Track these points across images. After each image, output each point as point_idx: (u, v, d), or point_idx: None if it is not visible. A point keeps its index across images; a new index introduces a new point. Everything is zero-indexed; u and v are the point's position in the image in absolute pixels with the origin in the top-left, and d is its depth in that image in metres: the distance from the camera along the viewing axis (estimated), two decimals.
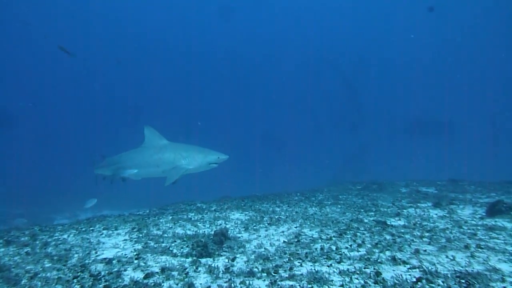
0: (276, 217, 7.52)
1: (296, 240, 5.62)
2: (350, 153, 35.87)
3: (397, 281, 3.60)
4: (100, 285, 4.11)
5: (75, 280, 4.28)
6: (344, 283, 3.69)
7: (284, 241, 5.63)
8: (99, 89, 58.37)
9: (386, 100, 53.36)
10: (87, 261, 5.05)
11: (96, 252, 5.56)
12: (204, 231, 6.59)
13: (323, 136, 49.28)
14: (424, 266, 3.97)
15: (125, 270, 4.64)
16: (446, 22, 51.52)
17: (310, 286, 3.68)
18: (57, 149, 48.49)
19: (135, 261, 5.02)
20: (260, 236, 6.16)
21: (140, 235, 6.52)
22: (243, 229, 6.72)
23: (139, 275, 4.42)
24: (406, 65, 56.66)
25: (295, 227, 6.44)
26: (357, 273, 3.91)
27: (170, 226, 7.18)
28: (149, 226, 7.19)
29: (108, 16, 59.20)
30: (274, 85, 61.77)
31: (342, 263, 4.31)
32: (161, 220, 7.75)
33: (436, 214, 7.09)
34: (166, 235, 6.51)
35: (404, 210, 7.64)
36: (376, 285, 3.57)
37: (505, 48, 48.84)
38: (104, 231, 6.94)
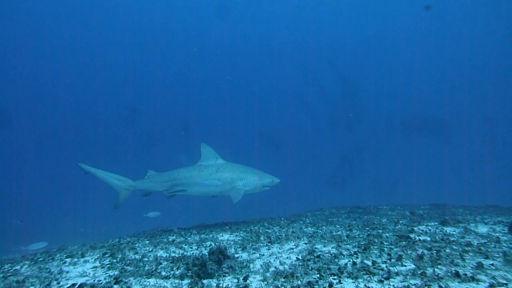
0: (275, 235, 6.48)
1: (312, 256, 4.63)
2: (347, 152, 34.65)
3: None
4: None
5: None
6: None
7: (297, 258, 4.62)
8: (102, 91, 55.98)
9: (383, 99, 52.85)
10: None
11: (58, 283, 4.27)
12: (193, 253, 5.44)
13: (320, 135, 48.45)
14: (502, 282, 3.12)
15: None
16: (444, 20, 51.40)
17: None
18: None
19: (115, 286, 3.83)
20: (263, 255, 5.11)
21: (114, 261, 5.26)
22: (240, 248, 5.63)
23: None
24: (404, 64, 55.95)
25: (304, 244, 5.45)
26: None
27: (150, 249, 5.94)
28: (124, 250, 5.91)
29: (106, 16, 56.82)
30: (271, 84, 60.51)
31: (392, 279, 3.38)
32: (137, 245, 6.46)
33: (454, 231, 6.35)
34: (146, 259, 5.29)
35: (415, 228, 6.86)
36: None
37: (503, 47, 49.11)
38: (68, 259, 5.59)
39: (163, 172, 9.24)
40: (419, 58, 54.91)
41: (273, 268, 4.29)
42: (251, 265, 4.60)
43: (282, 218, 10.68)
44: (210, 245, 6.08)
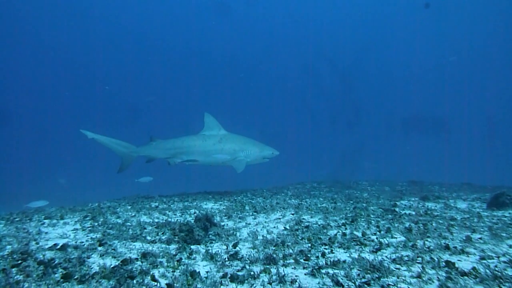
0: (260, 206, 6.43)
1: (300, 226, 4.58)
2: (346, 150, 34.45)
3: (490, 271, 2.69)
4: (56, 274, 2.76)
5: (14, 270, 2.87)
6: (420, 274, 2.71)
7: (285, 228, 4.57)
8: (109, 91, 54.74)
9: (383, 97, 52.49)
10: (28, 250, 3.58)
11: (37, 243, 4.07)
12: (177, 220, 5.32)
13: (320, 133, 47.88)
14: (496, 255, 3.14)
15: (88, 258, 3.30)
16: (444, 19, 50.69)
17: (370, 276, 2.67)
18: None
19: (100, 248, 3.69)
20: (249, 224, 5.05)
21: (96, 224, 5.09)
22: (225, 217, 5.55)
23: (112, 261, 3.12)
24: (403, 63, 55.67)
25: (291, 214, 5.41)
26: (419, 263, 2.96)
27: (133, 214, 5.78)
28: (105, 214, 5.74)
29: (104, 16, 55.80)
30: (271, 83, 59.75)
31: (384, 250, 3.36)
32: (118, 209, 6.29)
33: (435, 206, 6.45)
34: (129, 223, 5.14)
35: (398, 203, 6.93)
36: (466, 277, 2.63)
37: (503, 47, 48.81)
38: (46, 221, 5.39)
39: (167, 139, 9.19)
40: (419, 56, 54.66)
41: (260, 237, 4.22)
42: (238, 233, 4.52)
43: (264, 190, 10.67)
44: (195, 212, 5.97)
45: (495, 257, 3.07)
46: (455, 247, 3.33)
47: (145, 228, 4.75)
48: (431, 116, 40.18)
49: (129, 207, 6.56)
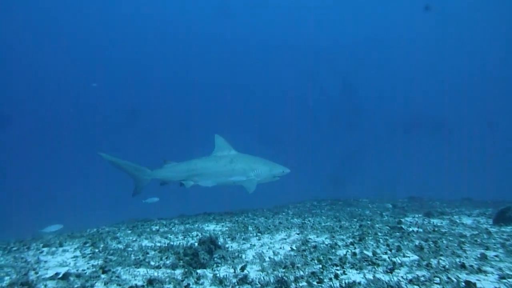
0: (263, 226, 6.29)
1: (307, 247, 4.46)
2: (347, 153, 33.97)
3: None
4: None
5: None
6: None
7: (292, 249, 4.45)
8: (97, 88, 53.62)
9: (384, 99, 51.71)
10: (28, 280, 3.43)
11: (36, 273, 3.92)
12: (180, 243, 5.17)
13: (320, 135, 46.87)
14: (510, 274, 3.05)
15: (92, 286, 3.15)
16: (445, 21, 50.38)
17: None
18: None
19: (103, 275, 3.54)
20: (254, 245, 4.91)
21: (96, 250, 4.93)
22: (229, 239, 5.41)
23: None
24: (404, 64, 54.76)
25: (296, 234, 5.29)
26: (437, 283, 2.86)
27: (134, 239, 5.62)
28: (105, 240, 5.57)
29: (107, 18, 55.69)
30: (272, 84, 59.16)
31: (398, 271, 3.24)
32: (118, 234, 6.13)
33: (441, 223, 6.36)
34: (131, 248, 4.99)
35: (402, 219, 6.83)
36: None
37: (504, 47, 48.34)
38: (45, 249, 5.21)
39: (180, 162, 9.36)
40: (420, 58, 54.15)
41: (267, 259, 4.10)
42: (244, 255, 4.39)
43: (265, 210, 10.53)
44: (197, 235, 5.82)
45: None
46: (472, 266, 3.23)
47: (147, 253, 4.60)
48: (432, 119, 39.26)
49: (129, 231, 6.40)
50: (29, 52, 53.21)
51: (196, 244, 4.72)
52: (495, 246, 4.03)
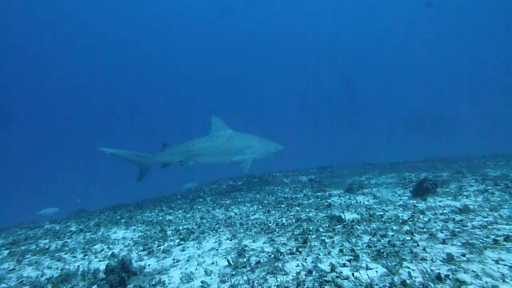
0: (184, 227, 5.22)
1: (246, 259, 3.57)
2: (348, 150, 32.70)
3: None
4: None
5: None
6: None
7: (228, 264, 3.51)
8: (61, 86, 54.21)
9: (385, 96, 51.48)
10: None
11: None
12: (80, 267, 3.86)
13: (321, 133, 45.81)
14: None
15: None
16: (446, 18, 51.03)
17: None
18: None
19: None
20: (178, 260, 3.86)
21: None
22: (144, 252, 4.25)
23: None
24: (406, 62, 55.60)
25: (228, 240, 4.34)
26: None
27: (11, 268, 4.10)
28: None
29: (105, 17, 55.49)
30: (273, 82, 58.36)
31: None
32: None
33: (368, 201, 6.02)
34: (5, 285, 3.54)
35: (329, 200, 6.36)
36: None
37: (504, 45, 49.88)
38: None
39: (179, 144, 9.50)
40: (420, 56, 55.16)
41: (198, 282, 3.13)
42: (167, 280, 3.35)
43: (178, 196, 9.45)
44: (102, 250, 4.52)
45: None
46: (447, 276, 2.67)
47: None
48: (433, 116, 39.42)
49: (6, 252, 4.76)
50: (30, 53, 52.38)
51: (102, 273, 3.49)
52: (447, 234, 3.61)
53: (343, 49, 58.92)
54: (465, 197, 5.45)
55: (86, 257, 4.30)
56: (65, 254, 4.45)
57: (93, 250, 4.52)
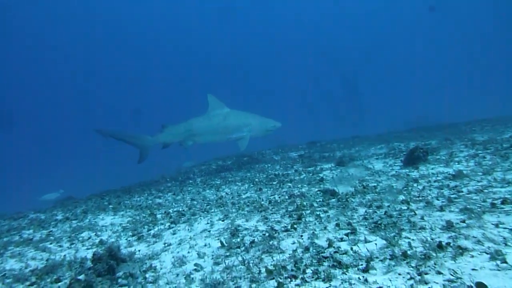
0: (174, 210, 5.06)
1: (239, 239, 3.43)
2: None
3: None
4: None
5: None
6: None
7: (222, 245, 3.37)
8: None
9: (387, 99, 50.49)
10: None
11: None
12: (66, 257, 3.68)
13: (322, 134, 45.41)
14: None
15: None
16: (448, 21, 50.49)
17: None
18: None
19: None
20: (169, 244, 3.71)
21: None
22: (134, 238, 4.08)
23: None
24: (408, 64, 54.94)
25: (221, 220, 4.19)
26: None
27: None
28: None
29: (108, 18, 55.42)
30: (275, 84, 57.86)
31: (374, 271, 2.39)
32: None
33: (360, 173, 5.92)
34: None
35: (320, 174, 6.25)
36: None
37: (506, 47, 48.95)
38: None
39: (177, 124, 9.33)
40: (422, 58, 54.48)
41: (192, 267, 2.98)
42: (158, 265, 3.20)
43: (168, 179, 9.25)
44: (89, 237, 4.34)
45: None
46: (449, 244, 2.56)
47: None
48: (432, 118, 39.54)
49: None
50: (31, 53, 52.02)
51: (89, 262, 3.32)
52: (443, 201, 3.52)
53: (343, 49, 58.79)
54: (457, 163, 5.38)
55: (72, 246, 4.12)
56: (51, 244, 4.26)
57: (80, 238, 4.33)
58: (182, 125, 9.27)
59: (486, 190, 3.73)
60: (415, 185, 4.50)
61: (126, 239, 4.08)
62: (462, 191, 3.86)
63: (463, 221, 2.94)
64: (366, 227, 3.20)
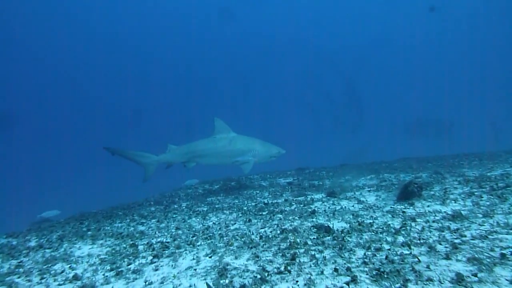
0: (157, 240, 4.69)
1: (228, 280, 3.11)
2: (350, 154, 31.59)
3: None
4: None
5: None
6: None
7: (208, 287, 3.04)
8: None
9: (387, 100, 50.60)
10: None
11: None
12: None
13: (323, 135, 44.85)
14: None
15: None
16: (447, 21, 50.70)
17: None
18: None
19: None
20: (151, 283, 3.34)
21: None
22: (112, 273, 3.70)
23: None
24: (407, 65, 54.91)
25: (208, 256, 3.85)
26: None
27: None
28: None
29: (109, 19, 55.91)
30: (275, 86, 57.86)
31: None
32: None
33: (353, 206, 5.68)
34: None
35: (312, 206, 5.98)
36: None
37: (505, 47, 49.41)
38: None
39: (182, 145, 9.52)
40: (422, 59, 54.53)
41: None
42: None
43: (152, 202, 8.85)
44: (63, 270, 3.92)
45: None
46: None
47: None
48: (436, 119, 38.06)
49: None
50: (30, 53, 51.98)
51: None
52: (449, 248, 3.28)
53: (344, 50, 59.32)
54: (453, 201, 5.19)
55: (43, 280, 3.70)
56: (19, 277, 3.83)
57: (53, 272, 3.92)
58: (186, 146, 9.49)
59: (491, 236, 3.52)
60: (413, 224, 4.26)
61: (103, 274, 3.70)
62: (465, 235, 3.64)
63: (475, 275, 2.70)
64: (367, 274, 2.93)
